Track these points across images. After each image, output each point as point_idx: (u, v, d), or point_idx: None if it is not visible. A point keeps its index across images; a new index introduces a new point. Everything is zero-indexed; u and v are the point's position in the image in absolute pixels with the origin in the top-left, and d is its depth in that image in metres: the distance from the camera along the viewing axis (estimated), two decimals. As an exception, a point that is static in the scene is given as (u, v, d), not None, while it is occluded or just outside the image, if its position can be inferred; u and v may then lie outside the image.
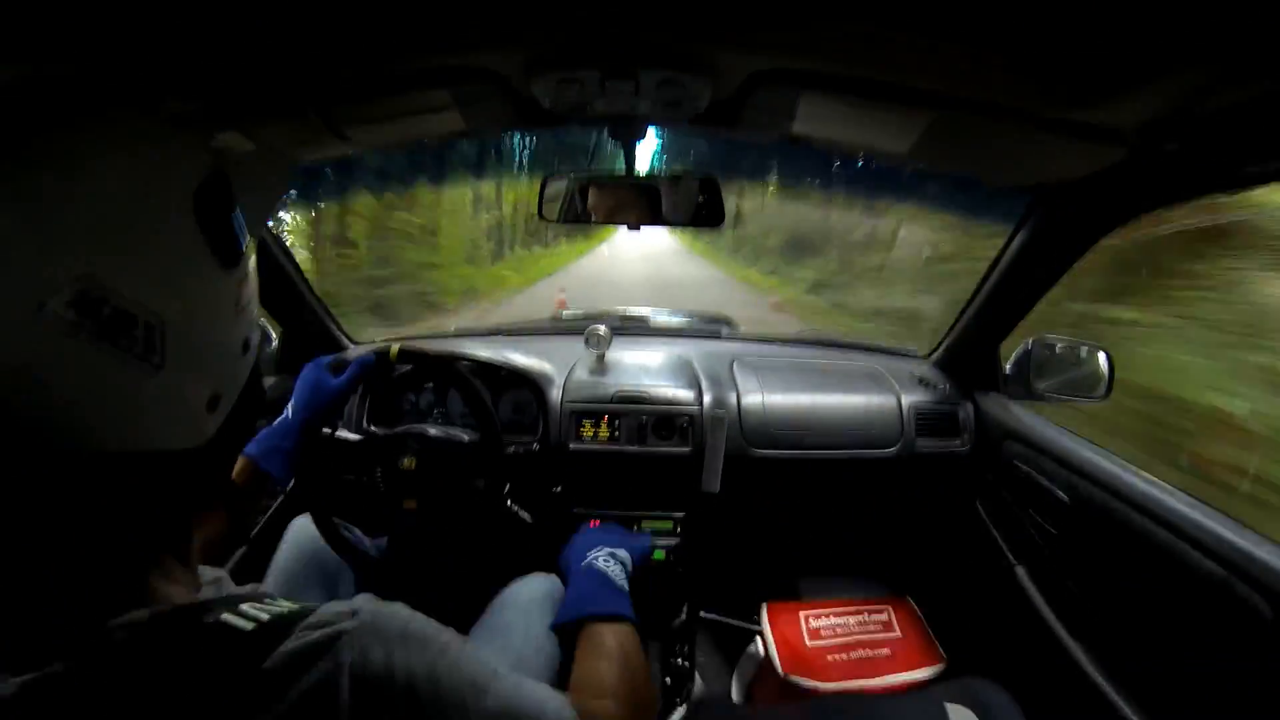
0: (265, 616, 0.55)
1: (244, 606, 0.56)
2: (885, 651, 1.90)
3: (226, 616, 0.54)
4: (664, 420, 1.85)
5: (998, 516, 1.80)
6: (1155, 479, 1.34)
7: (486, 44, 0.98)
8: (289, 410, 1.35)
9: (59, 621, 0.52)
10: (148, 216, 0.54)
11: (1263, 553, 1.07)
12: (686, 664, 1.75)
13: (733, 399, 1.91)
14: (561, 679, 1.25)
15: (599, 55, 0.99)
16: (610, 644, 0.94)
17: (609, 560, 1.15)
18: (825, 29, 0.90)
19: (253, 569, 1.64)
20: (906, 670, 1.84)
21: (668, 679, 1.83)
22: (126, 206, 0.53)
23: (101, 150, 0.53)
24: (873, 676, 1.82)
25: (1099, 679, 1.30)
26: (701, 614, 1.74)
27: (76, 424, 0.51)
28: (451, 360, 1.52)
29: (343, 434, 1.61)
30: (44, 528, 0.53)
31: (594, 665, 0.90)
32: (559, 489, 1.88)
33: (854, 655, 1.89)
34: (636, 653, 0.96)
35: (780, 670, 1.84)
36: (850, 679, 1.81)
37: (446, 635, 0.64)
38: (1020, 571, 1.63)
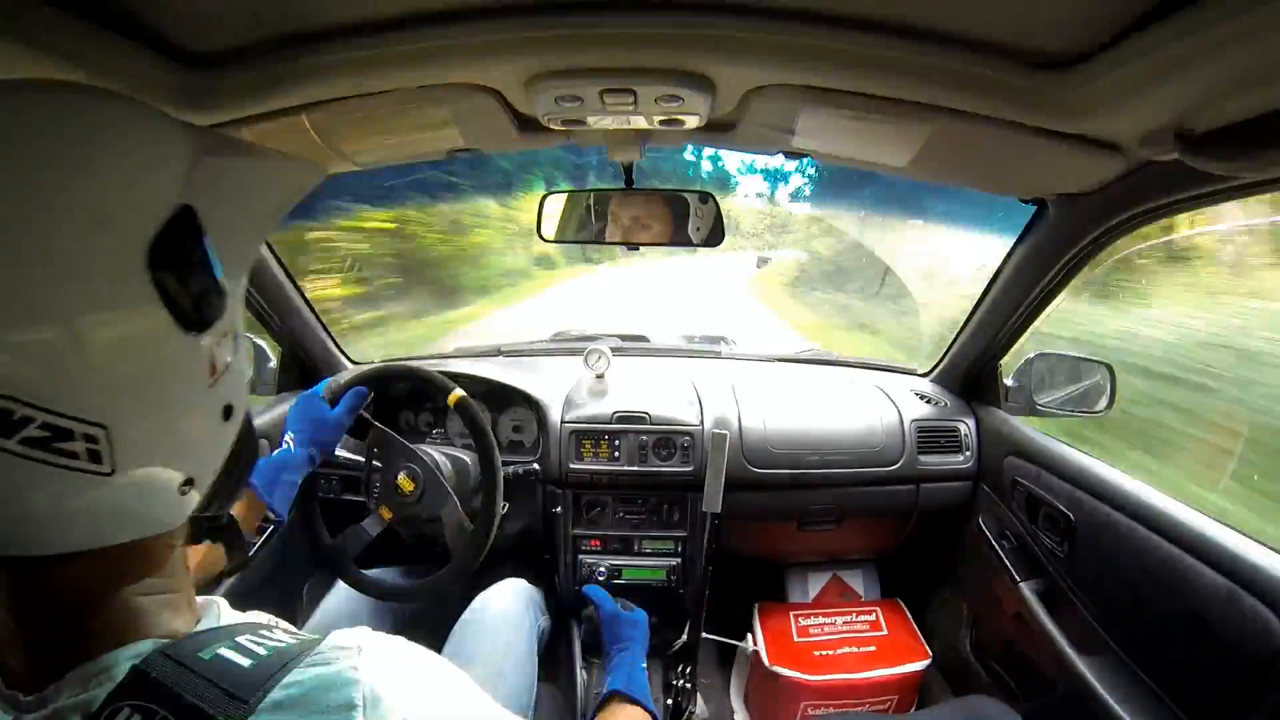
0: (263, 651, 0.53)
1: (241, 640, 0.54)
2: (871, 648, 1.98)
3: (224, 650, 0.52)
4: (664, 440, 1.84)
5: (1001, 533, 1.79)
6: (1159, 491, 1.33)
7: (485, 60, 0.98)
8: (288, 440, 1.31)
9: (59, 656, 0.50)
10: (82, 296, 0.44)
11: (1269, 564, 1.06)
12: (689, 684, 1.72)
13: (734, 418, 1.90)
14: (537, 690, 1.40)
15: (598, 71, 0.99)
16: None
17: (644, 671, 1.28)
18: (824, 43, 0.91)
19: (249, 591, 1.62)
20: (891, 666, 1.92)
21: (669, 700, 1.81)
22: (50, 289, 0.43)
23: (21, 202, 0.42)
24: (858, 671, 1.90)
25: (1106, 695, 1.28)
26: (703, 634, 1.72)
27: (25, 534, 0.47)
28: (451, 380, 1.51)
29: (342, 453, 1.60)
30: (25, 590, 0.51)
31: None
32: (558, 509, 1.86)
33: (840, 651, 1.97)
34: None
35: (766, 662, 1.91)
36: (835, 673, 1.89)
37: (451, 672, 0.62)
38: (1025, 588, 1.61)
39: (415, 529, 1.52)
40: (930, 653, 1.95)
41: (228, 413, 0.56)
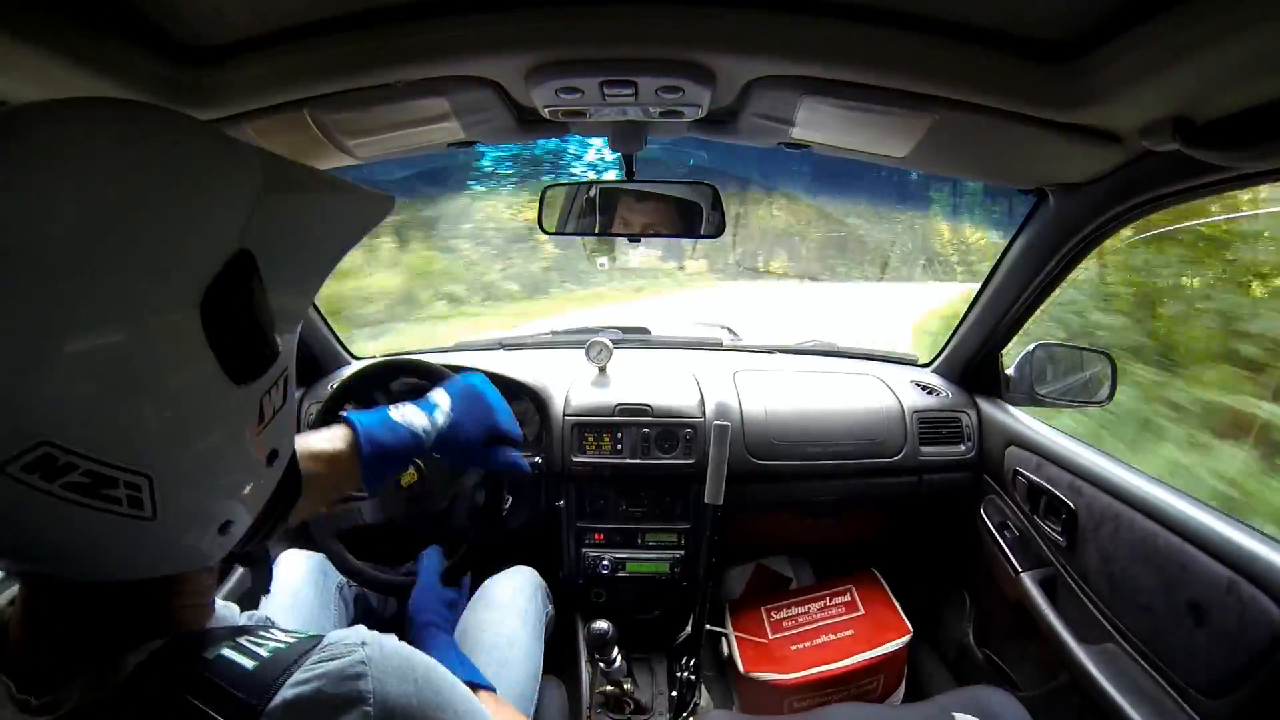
0: (264, 653, 0.53)
1: (242, 640, 0.54)
2: (849, 633, 1.94)
3: (227, 652, 0.52)
4: (667, 432, 1.85)
5: (1002, 523, 1.79)
6: (1160, 481, 1.33)
7: (485, 52, 0.98)
8: (455, 420, 1.11)
9: (73, 658, 0.51)
10: (130, 343, 0.42)
11: (1269, 554, 1.07)
12: (692, 677, 1.73)
13: (735, 409, 1.90)
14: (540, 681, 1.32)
15: (598, 62, 0.99)
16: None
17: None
18: (825, 33, 0.91)
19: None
20: (871, 648, 1.88)
21: (674, 693, 1.82)
22: (97, 333, 0.41)
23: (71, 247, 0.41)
24: (838, 660, 1.86)
25: (1106, 684, 1.28)
26: (707, 627, 1.73)
27: (66, 562, 0.48)
28: (453, 373, 1.51)
29: None
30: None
31: None
32: (561, 503, 1.87)
33: (817, 642, 1.92)
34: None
35: (742, 669, 1.87)
36: (814, 666, 1.85)
37: (450, 675, 0.63)
38: (1026, 578, 1.62)
39: (411, 518, 1.51)
40: (910, 627, 1.94)
41: (272, 457, 0.56)
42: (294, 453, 0.61)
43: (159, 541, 0.49)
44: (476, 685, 0.93)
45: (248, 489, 0.54)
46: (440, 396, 1.13)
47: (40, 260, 0.40)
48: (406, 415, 1.07)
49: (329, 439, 1.00)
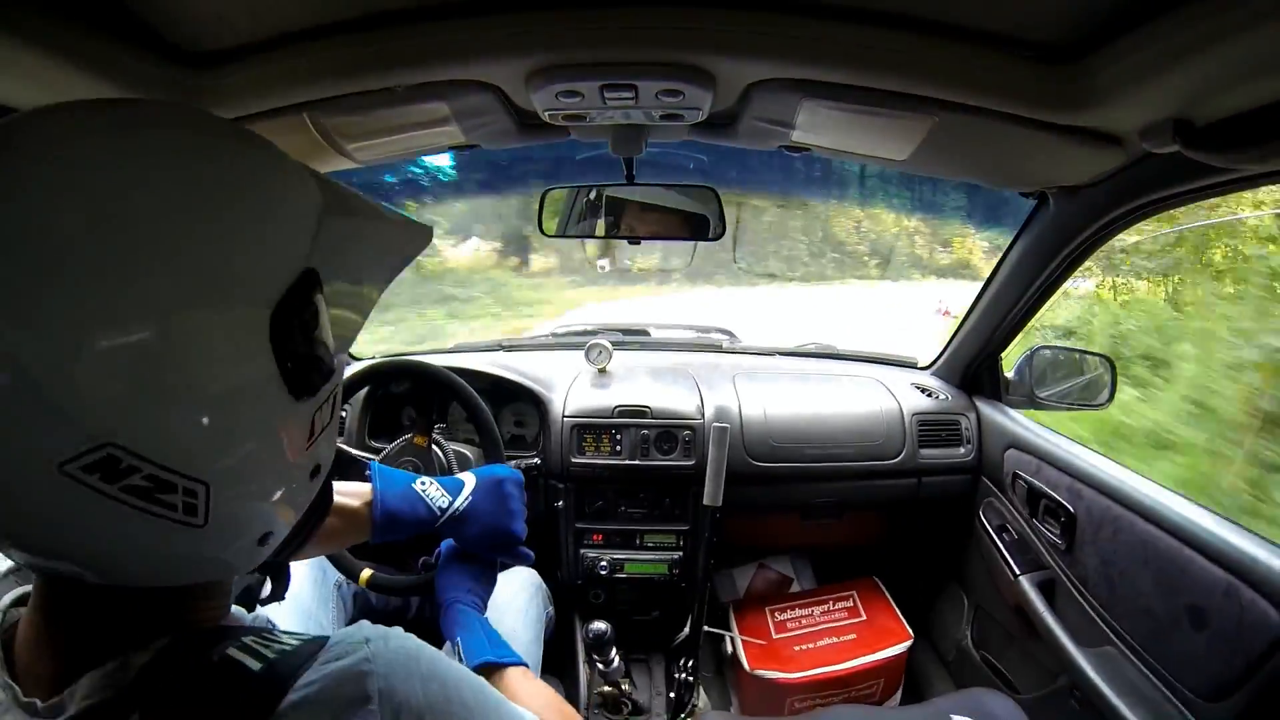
0: (270, 655, 0.52)
1: (249, 641, 0.53)
2: (851, 636, 1.96)
3: (232, 652, 0.52)
4: (666, 434, 1.85)
5: (1001, 526, 1.79)
6: (1159, 484, 1.34)
7: (486, 56, 0.98)
8: (471, 506, 1.08)
9: (81, 658, 0.50)
10: (203, 355, 0.43)
11: (1268, 558, 1.07)
12: (690, 678, 1.73)
13: (735, 411, 1.91)
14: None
15: (599, 66, 0.99)
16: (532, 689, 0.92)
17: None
18: (826, 36, 0.91)
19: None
20: (872, 652, 1.90)
21: (672, 694, 1.82)
22: (171, 343, 0.42)
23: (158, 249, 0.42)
24: (840, 662, 1.88)
25: (1105, 688, 1.28)
26: (705, 628, 1.73)
27: (100, 564, 0.48)
28: (453, 375, 1.52)
29: (341, 447, 1.60)
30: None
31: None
32: (560, 504, 1.87)
33: (821, 644, 1.94)
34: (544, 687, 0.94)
35: (747, 666, 1.88)
36: (817, 667, 1.86)
37: (449, 661, 0.62)
38: (1025, 581, 1.62)
39: None
40: (911, 633, 1.95)
41: (315, 472, 0.57)
42: (330, 478, 0.62)
43: (201, 549, 0.49)
44: (507, 662, 0.93)
45: (291, 501, 0.55)
46: (469, 480, 1.12)
47: (87, 257, 0.40)
48: (429, 491, 1.07)
49: (349, 496, 1.02)
